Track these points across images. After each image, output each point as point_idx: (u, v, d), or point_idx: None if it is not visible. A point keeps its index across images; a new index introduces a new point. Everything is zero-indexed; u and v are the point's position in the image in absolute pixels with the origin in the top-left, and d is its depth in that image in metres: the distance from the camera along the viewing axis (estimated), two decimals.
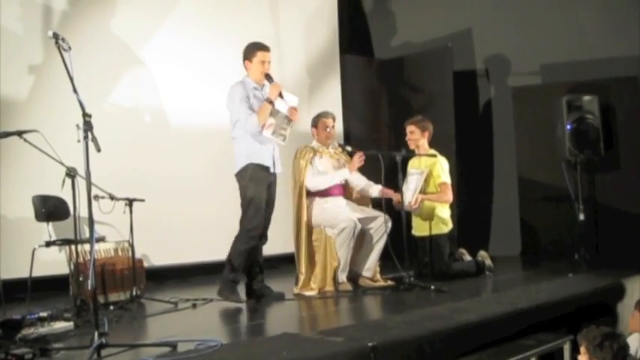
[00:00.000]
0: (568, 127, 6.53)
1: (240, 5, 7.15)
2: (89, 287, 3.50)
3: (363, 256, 5.54)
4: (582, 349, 3.16)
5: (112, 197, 5.01)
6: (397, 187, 5.51)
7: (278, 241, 6.12)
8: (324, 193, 5.48)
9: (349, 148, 5.59)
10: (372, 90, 8.47)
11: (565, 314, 4.56)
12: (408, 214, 5.79)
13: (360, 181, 5.69)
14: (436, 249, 5.81)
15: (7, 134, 4.24)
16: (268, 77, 4.96)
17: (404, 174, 5.65)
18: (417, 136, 5.88)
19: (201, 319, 4.60)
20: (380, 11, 8.69)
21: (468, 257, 6.09)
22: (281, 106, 4.95)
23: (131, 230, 5.14)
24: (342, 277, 5.36)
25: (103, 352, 3.17)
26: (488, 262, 6.04)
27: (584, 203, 6.47)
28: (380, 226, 5.43)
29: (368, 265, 5.54)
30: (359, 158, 5.45)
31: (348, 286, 5.34)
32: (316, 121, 5.63)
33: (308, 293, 5.22)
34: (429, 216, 5.83)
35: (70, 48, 3.50)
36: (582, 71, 7.14)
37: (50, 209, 5.06)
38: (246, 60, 5.04)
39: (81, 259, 4.73)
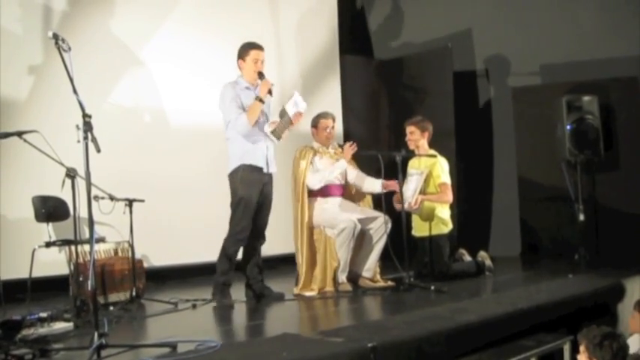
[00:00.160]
0: (568, 127, 6.54)
1: (239, 5, 7.16)
2: (89, 288, 3.50)
3: (363, 257, 5.54)
4: (582, 348, 3.16)
5: (111, 198, 5.01)
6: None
7: (278, 241, 6.12)
8: (325, 194, 5.48)
9: (341, 144, 5.60)
10: (372, 90, 8.47)
11: (565, 315, 4.56)
12: (408, 215, 5.79)
13: (360, 178, 5.69)
14: (436, 249, 5.81)
15: (6, 135, 4.24)
16: (260, 75, 4.95)
17: (404, 174, 5.64)
18: (416, 137, 5.88)
19: (201, 319, 4.60)
20: (380, 11, 8.69)
21: (467, 258, 6.09)
22: (290, 108, 4.96)
23: (131, 231, 5.14)
24: (342, 277, 5.36)
25: (103, 353, 3.17)
26: (488, 262, 6.04)
27: (584, 203, 6.48)
28: (380, 226, 5.43)
29: (368, 265, 5.54)
30: (350, 147, 5.47)
31: (348, 287, 5.34)
32: (316, 122, 5.63)
33: (308, 294, 5.22)
34: (429, 216, 5.83)
35: (70, 48, 3.50)
36: (582, 71, 7.14)
37: (50, 210, 5.06)
38: (239, 59, 5.03)
39: (81, 260, 4.72)
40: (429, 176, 5.79)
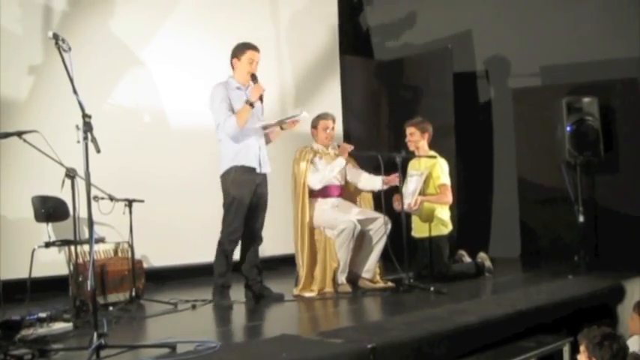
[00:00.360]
0: (568, 128, 6.53)
1: (239, 6, 7.15)
2: (88, 288, 3.49)
3: (363, 258, 5.54)
4: (582, 348, 3.17)
5: (111, 198, 5.00)
6: (397, 189, 5.51)
7: (278, 242, 6.14)
8: (325, 194, 5.48)
9: (337, 144, 5.60)
10: (372, 91, 8.47)
11: (565, 316, 4.55)
12: (408, 216, 5.79)
13: (357, 175, 5.69)
14: (436, 250, 5.81)
15: (6, 135, 4.24)
16: (254, 77, 4.94)
17: (404, 175, 5.65)
18: (416, 138, 5.88)
19: (200, 320, 4.60)
20: (380, 12, 8.69)
21: (467, 259, 6.09)
22: (296, 111, 4.99)
23: (131, 231, 5.14)
24: (342, 278, 5.35)
25: (102, 353, 3.16)
26: (487, 263, 6.03)
27: (583, 205, 6.48)
28: (379, 227, 5.42)
29: (367, 266, 5.54)
30: (345, 145, 5.48)
31: (348, 288, 5.34)
32: (316, 123, 5.63)
33: (307, 294, 5.22)
34: (429, 217, 5.83)
35: (70, 49, 3.50)
36: (582, 73, 7.14)
37: (50, 210, 5.05)
38: (234, 58, 5.01)
39: (80, 260, 4.72)
40: (429, 177, 5.79)
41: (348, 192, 5.76)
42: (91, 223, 3.40)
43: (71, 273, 4.83)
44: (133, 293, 5.11)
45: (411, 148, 5.91)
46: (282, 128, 5.12)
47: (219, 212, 4.98)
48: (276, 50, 7.43)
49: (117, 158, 5.59)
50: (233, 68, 5.05)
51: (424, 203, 5.77)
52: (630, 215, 6.72)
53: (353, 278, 5.51)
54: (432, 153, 5.90)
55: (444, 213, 5.87)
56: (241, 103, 4.89)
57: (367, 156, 5.71)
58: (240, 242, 5.03)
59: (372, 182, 5.64)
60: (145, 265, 5.72)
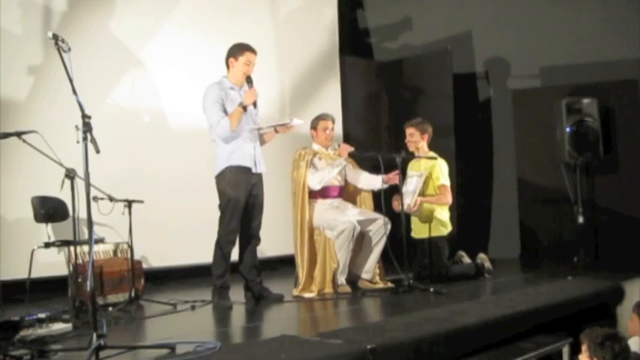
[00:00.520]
0: (567, 129, 6.54)
1: (239, 7, 7.15)
2: (88, 288, 3.49)
3: (363, 259, 5.54)
4: (583, 347, 3.16)
5: (111, 198, 5.00)
6: (397, 190, 5.51)
7: (277, 242, 6.14)
8: (324, 195, 5.48)
9: (337, 145, 5.60)
10: (372, 92, 8.47)
11: (564, 317, 4.55)
12: (408, 217, 5.79)
13: (356, 175, 5.69)
14: (435, 251, 5.81)
15: (6, 135, 4.24)
16: (249, 80, 4.94)
17: (403, 176, 5.64)
18: (416, 139, 5.88)
19: (199, 320, 4.59)
20: (380, 13, 8.70)
21: (467, 259, 6.09)
22: (286, 120, 5.00)
23: (130, 232, 5.13)
24: (341, 279, 5.35)
25: (102, 354, 3.16)
26: (487, 264, 6.03)
27: (583, 206, 6.49)
28: (379, 228, 5.42)
29: (367, 267, 5.54)
30: (345, 146, 5.48)
31: (347, 289, 5.34)
32: (315, 123, 5.62)
33: (307, 295, 5.21)
34: (429, 218, 5.83)
35: (69, 49, 3.49)
36: (582, 74, 7.15)
37: (49, 210, 5.05)
38: (231, 57, 4.99)
39: (80, 261, 4.72)
40: (429, 178, 5.79)
41: (347, 192, 5.76)
42: (90, 223, 3.40)
43: (70, 273, 4.83)
44: (133, 294, 5.10)
45: (411, 148, 5.91)
46: (276, 131, 5.11)
47: (218, 213, 4.98)
48: (276, 51, 7.43)
49: (116, 159, 5.59)
50: (228, 67, 5.03)
51: (424, 204, 5.77)
52: (630, 216, 6.74)
53: (352, 279, 5.51)
54: (432, 154, 5.90)
55: (443, 214, 5.87)
56: (234, 103, 4.88)
57: (367, 157, 5.71)
58: (238, 243, 5.03)
59: (371, 181, 5.63)
60: (145, 266, 5.72)
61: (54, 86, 5.42)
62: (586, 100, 6.62)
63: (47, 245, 4.89)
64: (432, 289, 5.14)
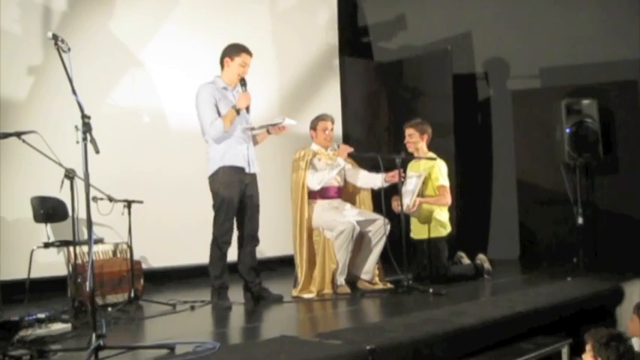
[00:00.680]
0: (567, 130, 6.54)
1: (239, 8, 7.16)
2: (87, 289, 3.50)
3: (362, 259, 5.54)
4: (588, 347, 3.16)
5: (110, 199, 5.00)
6: (396, 190, 5.51)
7: (277, 243, 6.14)
8: (324, 195, 5.48)
9: (336, 145, 5.59)
10: (372, 93, 8.47)
11: (564, 318, 4.55)
12: (407, 217, 5.79)
13: (354, 174, 5.69)
14: (435, 252, 5.81)
15: (5, 135, 4.24)
16: (243, 83, 4.92)
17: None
18: (415, 139, 5.88)
19: (199, 321, 4.59)
20: (380, 14, 8.70)
21: (466, 260, 6.09)
22: (278, 119, 4.99)
23: (129, 232, 5.13)
24: (341, 279, 5.35)
25: (101, 354, 3.16)
26: (486, 265, 6.03)
27: (582, 207, 6.48)
28: (379, 228, 5.42)
29: (366, 267, 5.54)
30: (344, 146, 5.48)
31: (347, 289, 5.34)
32: (315, 124, 5.62)
33: (306, 296, 5.21)
34: (428, 219, 5.83)
35: (69, 49, 3.49)
36: (581, 75, 7.15)
37: (49, 210, 5.05)
38: (227, 57, 4.97)
39: (79, 261, 4.73)
40: (428, 179, 5.79)
41: (347, 193, 5.76)
42: (90, 223, 3.40)
43: (70, 274, 4.83)
44: (132, 294, 5.10)
45: (410, 149, 5.91)
46: (269, 132, 5.11)
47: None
48: (275, 51, 7.43)
49: (116, 159, 5.59)
50: (222, 67, 5.01)
51: (423, 205, 5.77)
52: (629, 217, 6.73)
53: (352, 279, 5.51)
54: (432, 154, 5.89)
55: (442, 214, 5.87)
56: (227, 103, 4.87)
57: (367, 157, 5.71)
58: (237, 244, 5.03)
59: (371, 180, 5.63)
60: (144, 266, 5.71)
61: (53, 86, 5.42)
62: (586, 101, 6.62)
63: (47, 245, 4.89)
64: (431, 290, 5.14)
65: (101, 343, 3.15)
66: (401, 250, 5.28)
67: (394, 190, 5.55)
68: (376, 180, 5.56)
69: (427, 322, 3.91)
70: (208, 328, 4.37)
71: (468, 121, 7.78)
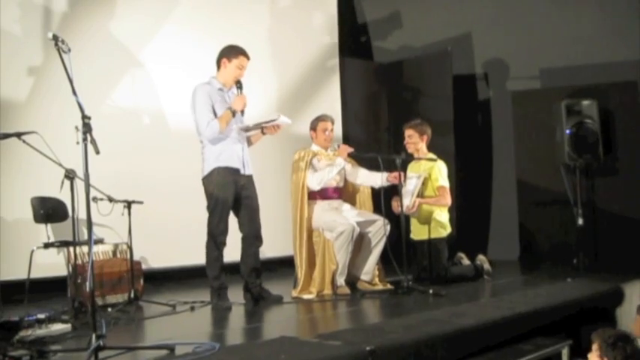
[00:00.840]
0: (567, 131, 6.54)
1: (239, 8, 7.16)
2: (87, 289, 3.49)
3: (362, 260, 5.54)
4: (594, 347, 3.15)
5: (110, 199, 5.00)
6: (396, 191, 5.51)
7: (277, 244, 6.13)
8: (324, 196, 5.48)
9: (337, 145, 5.59)
10: (372, 93, 8.48)
11: (563, 319, 4.55)
12: (407, 218, 5.79)
13: (354, 172, 5.69)
14: (435, 253, 5.81)
15: (5, 136, 4.24)
16: (239, 85, 4.92)
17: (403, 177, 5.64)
18: (415, 140, 5.88)
19: (199, 321, 4.59)
20: (380, 15, 8.70)
21: (466, 261, 6.09)
22: (273, 116, 4.99)
23: (129, 232, 5.13)
24: (341, 280, 5.35)
25: (101, 355, 3.16)
26: (486, 266, 6.03)
27: (582, 208, 6.48)
28: (379, 229, 5.42)
29: (366, 268, 5.54)
30: (345, 146, 5.47)
31: (347, 290, 5.33)
32: (315, 125, 5.62)
33: (306, 296, 5.21)
34: (428, 220, 5.83)
35: (69, 50, 3.49)
36: (581, 76, 7.15)
37: (49, 211, 5.05)
38: (224, 58, 4.96)
39: (79, 261, 4.73)
40: (428, 179, 5.79)
41: (347, 193, 5.77)
42: (90, 224, 3.40)
43: (70, 274, 4.83)
44: (132, 294, 5.10)
45: (410, 150, 5.91)
46: (263, 133, 5.10)
47: None
48: (275, 52, 7.43)
49: (116, 159, 5.59)
50: (219, 67, 5.01)
51: (423, 206, 5.77)
52: (629, 218, 6.73)
53: (352, 280, 5.51)
54: (431, 155, 5.89)
55: (442, 215, 5.87)
56: (223, 104, 4.87)
57: (367, 157, 5.71)
58: (240, 245, 5.02)
59: (371, 178, 5.63)
60: (144, 267, 5.71)
61: (54, 87, 5.43)
62: (586, 102, 6.62)
63: (47, 246, 4.89)
64: (431, 291, 5.13)
65: (101, 343, 3.15)
66: (401, 250, 5.27)
67: (394, 190, 5.56)
68: (376, 178, 5.56)
69: (427, 323, 3.91)
70: (208, 328, 4.37)
71: (467, 122, 7.78)
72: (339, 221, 5.29)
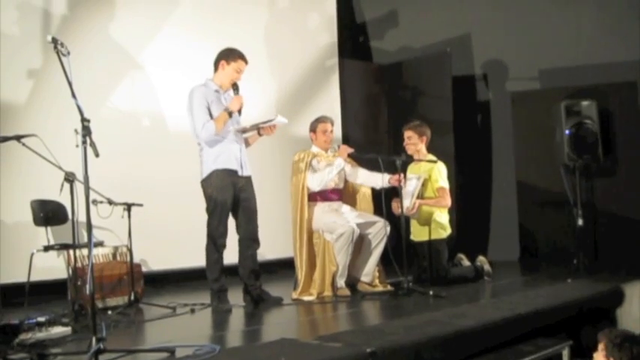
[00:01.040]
0: (567, 132, 6.54)
1: (239, 10, 7.16)
2: (87, 292, 3.49)
3: (362, 261, 5.54)
4: (601, 346, 3.15)
5: (110, 202, 5.00)
6: (396, 192, 5.51)
7: (277, 245, 6.13)
8: (324, 198, 5.48)
9: (337, 146, 5.59)
10: (371, 95, 8.48)
11: (564, 319, 4.56)
12: (407, 219, 5.79)
13: (354, 173, 5.69)
14: (435, 254, 5.81)
15: (5, 139, 4.24)
16: (235, 87, 4.93)
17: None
18: (414, 141, 5.88)
19: (199, 324, 4.59)
20: (379, 16, 8.70)
21: (466, 262, 6.09)
22: (270, 117, 4.99)
23: (129, 235, 5.13)
24: (341, 282, 5.35)
25: (101, 358, 3.16)
26: (486, 267, 6.03)
27: (582, 208, 6.48)
28: (379, 230, 5.42)
29: (366, 270, 5.53)
30: (345, 147, 5.48)
31: (347, 292, 5.33)
32: (315, 126, 5.62)
33: (306, 298, 5.21)
34: (428, 221, 5.83)
35: (68, 53, 3.50)
36: (581, 76, 7.16)
37: (49, 214, 5.05)
38: (222, 60, 4.97)
39: (79, 264, 4.72)
40: (428, 181, 5.79)
41: (347, 195, 5.76)
42: (89, 226, 3.40)
43: (70, 277, 4.83)
44: (132, 297, 5.10)
45: (410, 151, 5.91)
46: (259, 134, 5.10)
47: None
48: (275, 53, 7.43)
49: (116, 162, 5.59)
50: (216, 69, 5.02)
51: (423, 207, 5.77)
52: (629, 218, 6.73)
53: (352, 281, 5.51)
54: (431, 157, 5.89)
55: (442, 217, 5.87)
56: (220, 106, 4.87)
57: (367, 158, 5.71)
58: (237, 248, 5.02)
59: (372, 179, 5.62)
60: (144, 269, 5.71)
61: (53, 90, 5.42)
62: (585, 103, 6.62)
63: (46, 249, 4.89)
64: (431, 292, 5.14)
65: (101, 346, 3.15)
66: (401, 252, 5.27)
67: (394, 192, 5.56)
68: (377, 179, 5.55)
69: (427, 325, 3.92)
70: (208, 331, 4.37)
71: (467, 123, 7.78)
72: (339, 223, 5.29)
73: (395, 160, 5.46)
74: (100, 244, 5.24)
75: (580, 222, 6.43)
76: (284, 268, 6.51)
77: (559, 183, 6.80)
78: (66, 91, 3.39)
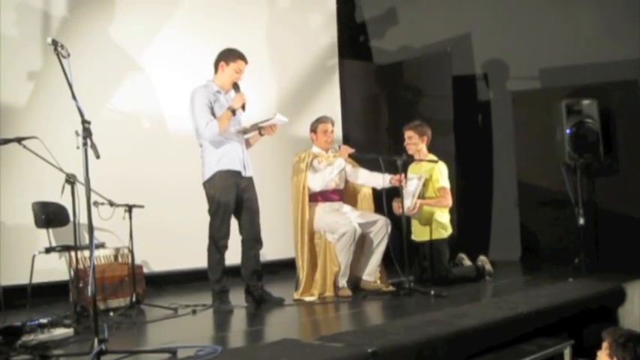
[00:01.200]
0: (567, 131, 6.53)
1: (239, 11, 7.16)
2: (89, 293, 3.50)
3: (364, 261, 5.54)
4: (604, 345, 3.15)
5: (111, 203, 5.00)
6: (397, 192, 5.51)
7: (278, 246, 6.13)
8: (325, 198, 5.48)
9: (337, 146, 5.59)
10: (372, 95, 8.48)
11: (565, 319, 4.55)
12: (408, 219, 5.79)
13: (354, 172, 5.69)
14: (436, 254, 5.81)
15: (6, 141, 4.24)
16: (236, 86, 4.94)
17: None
18: (415, 141, 5.88)
19: (200, 325, 4.59)
20: (379, 16, 8.70)
21: (467, 262, 6.09)
22: (270, 116, 4.99)
23: (131, 236, 5.13)
24: (343, 282, 5.35)
25: (103, 359, 3.16)
26: (488, 266, 6.03)
27: (584, 207, 6.47)
28: (380, 229, 5.43)
29: (369, 269, 5.54)
30: (345, 147, 5.49)
31: (348, 292, 5.34)
32: (315, 126, 5.63)
33: (308, 298, 5.21)
34: (429, 221, 5.83)
35: (69, 55, 3.50)
36: (582, 75, 7.14)
37: (50, 215, 5.06)
38: (222, 61, 4.98)
39: (81, 266, 4.73)
40: (429, 180, 5.80)
41: (348, 195, 5.77)
42: (91, 228, 3.40)
43: (72, 278, 4.83)
44: (134, 298, 5.10)
45: (411, 151, 5.91)
46: (260, 134, 5.11)
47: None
48: (274, 54, 7.43)
49: (116, 164, 5.59)
50: (216, 70, 5.02)
51: (424, 207, 5.77)
52: (631, 217, 6.72)
53: (354, 281, 5.51)
54: (432, 156, 5.89)
55: (443, 216, 5.87)
56: (221, 107, 4.88)
57: (368, 159, 5.71)
58: (240, 248, 5.03)
59: (372, 179, 5.63)
60: (145, 270, 5.72)
61: (53, 92, 5.43)
62: (586, 102, 6.61)
63: (48, 250, 4.89)
64: (432, 292, 5.14)
65: (103, 347, 3.15)
66: (402, 252, 5.27)
67: (395, 192, 5.56)
68: (377, 179, 5.55)
69: (429, 325, 3.92)
70: (210, 331, 4.38)
71: (468, 123, 7.78)
72: (340, 223, 5.30)
73: (396, 160, 5.46)
74: (102, 245, 5.24)
75: (581, 221, 6.42)
76: (285, 268, 6.51)
77: (560, 182, 6.79)
78: (66, 93, 3.40)
